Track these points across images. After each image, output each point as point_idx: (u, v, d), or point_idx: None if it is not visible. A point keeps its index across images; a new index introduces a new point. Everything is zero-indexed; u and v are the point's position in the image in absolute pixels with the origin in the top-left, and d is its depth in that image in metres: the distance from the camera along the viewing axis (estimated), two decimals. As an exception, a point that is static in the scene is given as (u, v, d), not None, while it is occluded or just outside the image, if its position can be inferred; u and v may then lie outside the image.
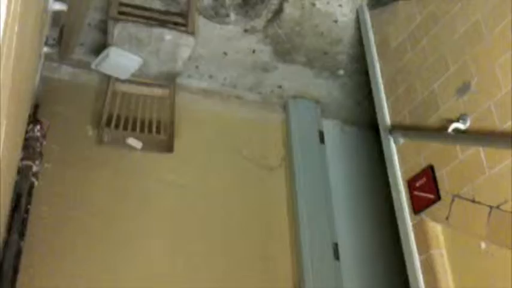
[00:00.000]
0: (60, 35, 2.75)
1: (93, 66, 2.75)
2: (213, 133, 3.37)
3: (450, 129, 2.15)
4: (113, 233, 2.82)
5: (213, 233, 3.05)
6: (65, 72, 3.22)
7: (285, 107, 3.60)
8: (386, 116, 2.60)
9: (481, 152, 2.02)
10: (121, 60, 2.65)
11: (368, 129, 3.58)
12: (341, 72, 3.43)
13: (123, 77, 2.80)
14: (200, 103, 3.44)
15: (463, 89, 2.18)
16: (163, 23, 2.69)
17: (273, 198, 3.32)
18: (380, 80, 2.69)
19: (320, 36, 3.18)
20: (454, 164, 2.15)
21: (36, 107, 2.86)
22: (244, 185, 3.29)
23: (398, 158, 2.48)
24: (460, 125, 2.13)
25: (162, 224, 2.96)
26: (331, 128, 3.64)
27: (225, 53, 3.31)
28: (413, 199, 2.33)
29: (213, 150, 3.32)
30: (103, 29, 2.93)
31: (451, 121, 2.18)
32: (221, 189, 3.19)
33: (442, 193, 2.18)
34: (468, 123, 2.11)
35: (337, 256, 3.01)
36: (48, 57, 3.15)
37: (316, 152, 3.44)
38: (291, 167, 3.39)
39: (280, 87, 3.54)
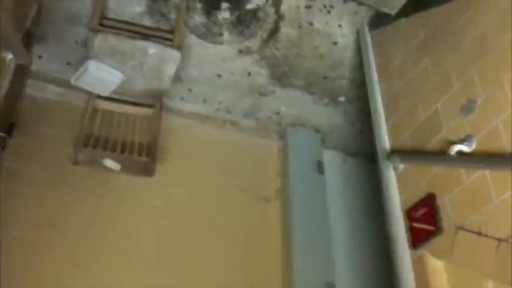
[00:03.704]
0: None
1: (72, 81, 2.58)
2: (206, 159, 3.17)
3: (453, 152, 1.91)
4: (88, 259, 2.59)
5: (199, 266, 2.80)
6: (51, 91, 3.08)
7: (282, 135, 3.38)
8: (384, 140, 2.37)
9: (488, 177, 1.76)
10: (101, 75, 2.48)
11: (370, 160, 3.33)
12: (342, 98, 3.22)
13: (103, 93, 2.62)
14: (193, 128, 3.26)
15: (468, 107, 1.94)
16: (147, 37, 2.52)
17: (266, 231, 3.06)
18: (379, 102, 2.47)
19: (319, 58, 2.99)
20: (457, 191, 1.90)
21: (11, 126, 2.69)
22: (235, 215, 3.04)
23: (397, 185, 2.23)
24: (464, 147, 1.88)
25: (143, 253, 2.73)
26: (331, 158, 3.40)
27: (219, 75, 3.13)
28: (412, 231, 2.06)
29: (205, 177, 3.10)
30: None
31: (455, 143, 1.93)
32: (211, 219, 2.95)
33: (444, 224, 1.91)
34: (473, 145, 1.86)
35: (332, 293, 2.72)
36: (34, 75, 3.04)
37: (314, 183, 3.19)
38: (287, 198, 3.14)
39: (277, 113, 3.33)
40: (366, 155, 3.42)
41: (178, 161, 3.09)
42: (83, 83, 2.54)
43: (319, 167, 3.27)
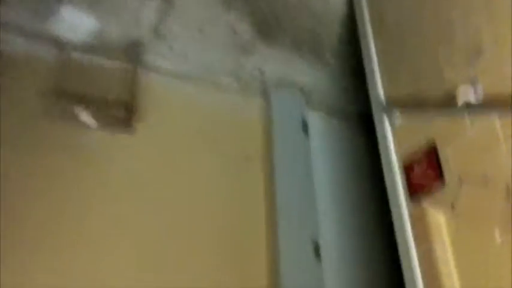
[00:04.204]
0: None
1: (40, 28, 2.36)
2: (186, 119, 3.01)
3: (458, 101, 1.82)
4: (62, 228, 2.42)
5: (179, 229, 2.67)
6: (19, 43, 2.84)
7: (265, 95, 3.26)
8: (380, 92, 2.27)
9: (497, 124, 1.69)
10: (73, 22, 2.28)
11: (356, 121, 3.26)
12: (329, 56, 3.10)
13: (75, 41, 2.42)
14: (172, 86, 3.08)
15: (474, 53, 1.85)
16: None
17: (249, 193, 2.95)
18: (373, 51, 2.36)
19: (309, 12, 2.86)
20: (462, 141, 1.82)
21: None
22: (216, 176, 2.91)
23: (394, 139, 2.15)
24: (470, 95, 1.80)
25: (121, 217, 2.57)
26: (315, 119, 3.30)
27: (201, 30, 2.96)
28: (411, 185, 1.98)
29: (183, 137, 2.95)
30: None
31: (459, 92, 1.85)
32: (190, 179, 2.82)
33: (447, 176, 1.84)
34: (480, 92, 1.78)
35: (318, 255, 2.64)
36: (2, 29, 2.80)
37: (299, 143, 3.09)
38: (270, 159, 3.03)
39: (261, 72, 3.20)
40: (351, 116, 3.34)
41: (157, 120, 2.92)
42: (53, 31, 2.33)
43: (304, 127, 3.17)
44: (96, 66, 2.66)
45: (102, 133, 2.58)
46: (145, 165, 2.74)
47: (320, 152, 3.19)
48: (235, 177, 2.97)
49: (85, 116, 2.47)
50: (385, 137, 2.16)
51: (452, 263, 1.77)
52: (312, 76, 3.23)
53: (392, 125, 2.16)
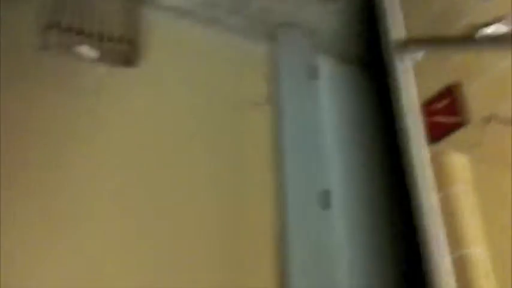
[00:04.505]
0: None
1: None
2: (185, 59, 2.84)
3: (484, 33, 1.67)
4: (52, 165, 2.28)
5: (181, 175, 2.55)
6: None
7: (272, 36, 3.08)
8: (397, 28, 2.11)
9: (528, 57, 1.55)
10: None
11: (366, 65, 3.10)
12: (340, -7, 2.91)
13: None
14: (173, 23, 2.90)
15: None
16: None
17: (255, 140, 2.81)
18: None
19: None
20: (487, 78, 1.68)
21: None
22: (218, 121, 2.76)
23: (411, 78, 2.00)
24: (499, 27, 1.65)
25: (119, 150, 2.43)
26: (324, 63, 3.13)
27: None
28: (430, 126, 1.85)
29: (184, 79, 2.79)
30: None
31: (483, 25, 1.70)
32: (190, 120, 2.67)
33: (470, 115, 1.71)
34: (508, 26, 1.63)
35: (327, 204, 2.54)
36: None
37: (306, 89, 2.94)
38: (277, 105, 2.88)
39: (267, 11, 3.01)
40: (361, 61, 3.18)
41: (159, 58, 2.72)
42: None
43: (312, 71, 3.01)
44: (98, 1, 2.49)
45: (102, 68, 2.43)
46: (145, 103, 2.59)
47: (328, 97, 3.04)
48: (241, 124, 2.84)
49: (85, 49, 2.31)
50: (401, 77, 2.01)
51: (474, 206, 1.67)
52: (321, 17, 3.04)
53: (409, 63, 2.01)
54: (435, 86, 1.87)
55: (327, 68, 3.14)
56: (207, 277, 2.33)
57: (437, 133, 1.81)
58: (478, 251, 1.59)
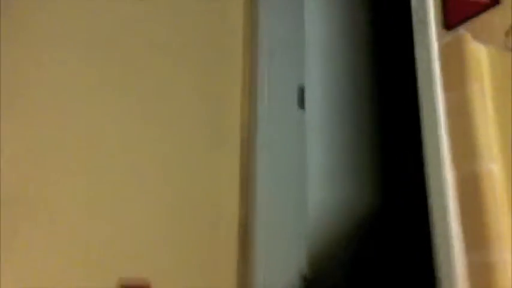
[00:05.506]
0: None
1: None
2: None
3: None
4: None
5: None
6: None
7: None
8: None
9: None
10: None
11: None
12: None
13: None
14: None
15: None
16: None
17: (226, 28, 2.37)
18: None
19: None
20: None
21: None
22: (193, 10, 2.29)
23: None
24: None
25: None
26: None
27: None
28: (448, 7, 1.46)
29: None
30: None
31: None
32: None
33: (502, -7, 1.32)
34: None
35: (302, 103, 2.17)
36: None
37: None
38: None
39: None
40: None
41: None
42: None
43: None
44: None
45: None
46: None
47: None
48: (214, 13, 2.37)
49: None
50: None
51: (491, 114, 1.33)
52: None
53: None
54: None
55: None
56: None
57: (456, 16, 1.42)
58: (493, 166, 1.28)
